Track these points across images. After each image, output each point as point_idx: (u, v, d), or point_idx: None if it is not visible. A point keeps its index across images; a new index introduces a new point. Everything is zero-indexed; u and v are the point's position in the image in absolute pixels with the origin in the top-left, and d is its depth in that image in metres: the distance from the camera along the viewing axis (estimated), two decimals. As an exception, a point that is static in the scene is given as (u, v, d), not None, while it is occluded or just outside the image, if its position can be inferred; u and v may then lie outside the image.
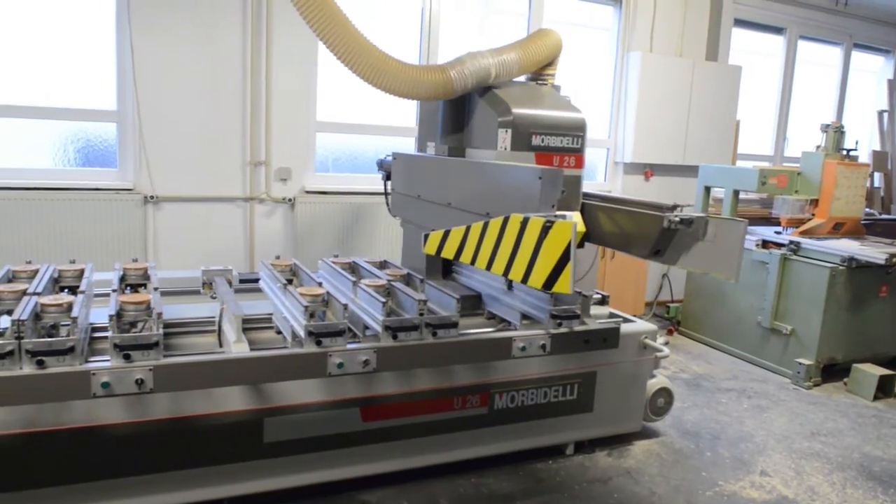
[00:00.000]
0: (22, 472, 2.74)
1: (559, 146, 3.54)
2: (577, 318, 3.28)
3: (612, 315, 4.06)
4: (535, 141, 3.48)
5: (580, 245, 3.53)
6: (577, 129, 3.58)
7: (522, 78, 3.90)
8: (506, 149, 3.47)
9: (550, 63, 3.88)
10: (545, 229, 2.65)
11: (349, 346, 2.79)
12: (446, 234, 3.22)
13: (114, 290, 2.93)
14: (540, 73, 3.89)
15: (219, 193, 5.30)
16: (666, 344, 4.06)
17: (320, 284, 3.19)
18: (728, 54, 7.44)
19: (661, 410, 4.21)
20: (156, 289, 3.00)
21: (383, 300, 2.94)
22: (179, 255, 5.16)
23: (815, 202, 6.05)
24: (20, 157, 4.91)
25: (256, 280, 3.73)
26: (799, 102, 8.29)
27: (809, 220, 6.05)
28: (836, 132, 6.08)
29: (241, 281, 3.75)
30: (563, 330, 3.22)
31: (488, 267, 2.96)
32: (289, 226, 5.55)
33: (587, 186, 6.66)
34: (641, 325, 4.06)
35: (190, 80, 5.08)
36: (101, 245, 4.82)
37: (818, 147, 6.17)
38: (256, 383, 3.00)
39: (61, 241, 4.71)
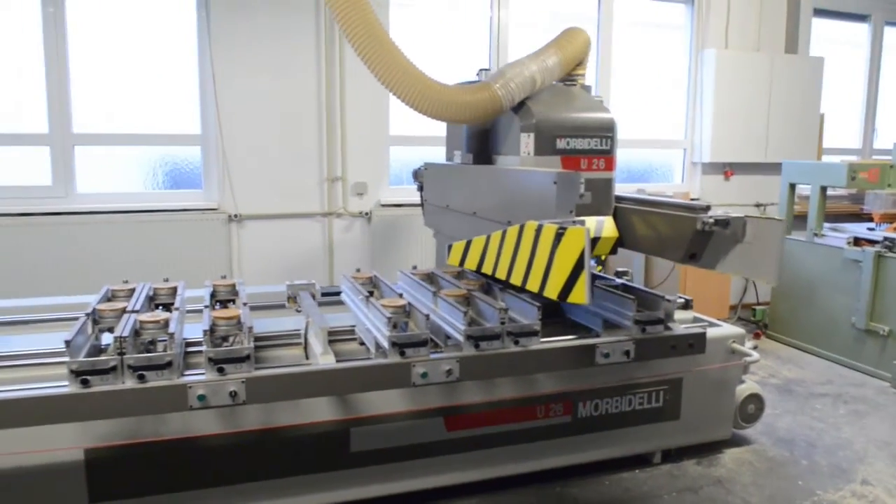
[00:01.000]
0: (124, 483, 2.88)
1: (586, 148, 3.40)
2: (662, 323, 3.20)
3: (696, 319, 3.95)
4: (560, 144, 3.36)
5: (613, 251, 3.40)
6: (604, 130, 3.43)
7: None
8: (529, 154, 3.35)
9: (580, 63, 3.72)
10: (558, 236, 2.56)
11: (432, 356, 2.80)
12: (468, 244, 3.18)
13: (206, 306, 3.04)
14: (570, 73, 3.71)
15: (298, 210, 5.45)
16: (754, 348, 3.93)
17: (401, 296, 3.23)
18: (808, 46, 7.17)
19: (752, 417, 4.06)
20: (245, 304, 3.09)
21: (464, 310, 2.94)
22: (263, 271, 5.34)
23: (910, 196, 5.75)
24: (115, 183, 5.19)
25: (338, 293, 3.81)
26: (888, 91, 7.89)
27: (905, 214, 5.76)
28: (930, 121, 5.77)
29: (324, 294, 3.82)
30: (647, 336, 3.16)
31: (507, 277, 2.89)
32: (366, 239, 5.65)
33: (664, 188, 6.57)
34: (728, 329, 3.94)
35: (268, 102, 5.26)
36: (191, 263, 5.03)
37: (911, 138, 5.87)
38: (343, 394, 3.06)
39: (154, 261, 4.95)
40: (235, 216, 5.26)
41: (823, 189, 5.82)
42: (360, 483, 3.22)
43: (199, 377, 2.53)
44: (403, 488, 3.31)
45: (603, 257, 3.49)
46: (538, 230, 2.69)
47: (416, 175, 4.68)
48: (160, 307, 3.26)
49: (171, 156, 5.33)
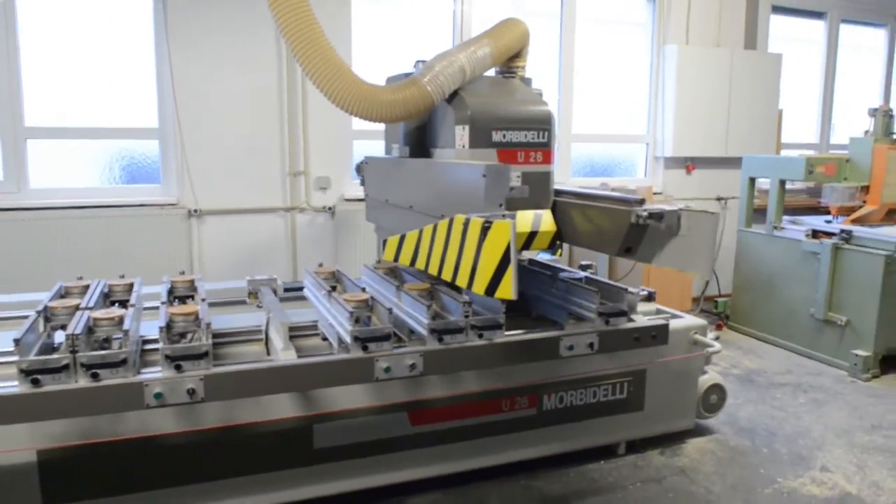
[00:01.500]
0: (79, 484, 2.80)
1: (523, 141, 3.31)
2: (625, 315, 3.22)
3: (659, 311, 3.98)
4: (496, 137, 3.26)
5: (552, 245, 3.35)
6: (541, 123, 3.35)
7: (491, 71, 3.63)
8: (464, 146, 3.27)
9: (519, 54, 3.62)
10: (484, 230, 2.51)
11: (395, 351, 2.78)
12: (402, 239, 3.14)
13: (163, 303, 2.97)
14: (508, 65, 3.61)
15: (260, 205, 5.37)
16: (716, 339, 3.97)
17: (364, 290, 3.19)
18: (767, 42, 7.29)
19: (714, 407, 4.11)
20: (203, 300, 3.03)
21: (427, 303, 2.92)
22: (224, 267, 5.24)
23: (865, 189, 5.88)
24: (69, 177, 5.05)
25: (301, 288, 3.76)
26: (843, 88, 8.07)
27: (860, 207, 5.88)
28: (884, 116, 5.90)
29: (286, 290, 3.77)
30: (611, 328, 3.17)
31: (439, 273, 2.85)
32: (330, 233, 5.59)
33: (627, 183, 6.62)
34: (690, 320, 3.98)
35: (228, 96, 5.17)
36: (149, 259, 4.92)
37: (866, 132, 6.00)
38: (305, 390, 3.02)
39: (110, 257, 4.82)
40: (195, 211, 5.16)
41: (782, 183, 5.92)
42: (323, 480, 3.18)
43: (155, 375, 2.47)
44: (368, 484, 3.28)
45: (548, 247, 3.43)
46: (466, 224, 2.64)
47: (359, 169, 4.52)
48: (116, 304, 3.18)
49: (128, 150, 5.20)
